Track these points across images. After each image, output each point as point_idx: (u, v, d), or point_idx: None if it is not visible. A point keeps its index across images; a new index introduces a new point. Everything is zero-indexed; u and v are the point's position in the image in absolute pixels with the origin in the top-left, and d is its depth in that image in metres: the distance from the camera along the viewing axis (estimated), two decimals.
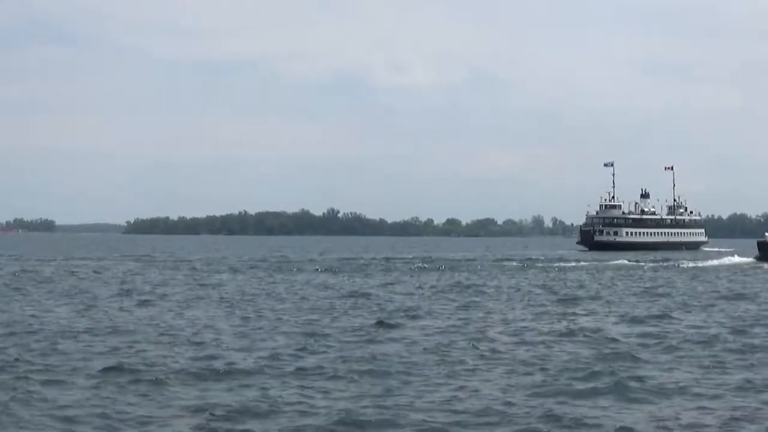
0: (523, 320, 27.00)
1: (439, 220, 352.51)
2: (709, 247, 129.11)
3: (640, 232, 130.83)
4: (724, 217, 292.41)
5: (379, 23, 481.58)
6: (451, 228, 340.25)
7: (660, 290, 40.89)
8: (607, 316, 28.55)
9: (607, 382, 16.09)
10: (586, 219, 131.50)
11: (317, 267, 62.27)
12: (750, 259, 71.91)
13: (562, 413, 13.63)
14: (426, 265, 65.97)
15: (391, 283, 44.72)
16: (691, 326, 25.36)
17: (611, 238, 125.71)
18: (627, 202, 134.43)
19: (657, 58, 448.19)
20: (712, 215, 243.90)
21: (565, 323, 25.97)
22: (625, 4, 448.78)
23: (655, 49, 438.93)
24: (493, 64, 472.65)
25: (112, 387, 15.44)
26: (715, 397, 15.10)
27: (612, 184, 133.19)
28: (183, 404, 14.17)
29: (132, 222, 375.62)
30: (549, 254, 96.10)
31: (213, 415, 13.44)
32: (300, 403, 14.32)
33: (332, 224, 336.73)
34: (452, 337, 22.51)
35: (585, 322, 26.50)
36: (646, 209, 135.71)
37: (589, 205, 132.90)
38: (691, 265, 68.44)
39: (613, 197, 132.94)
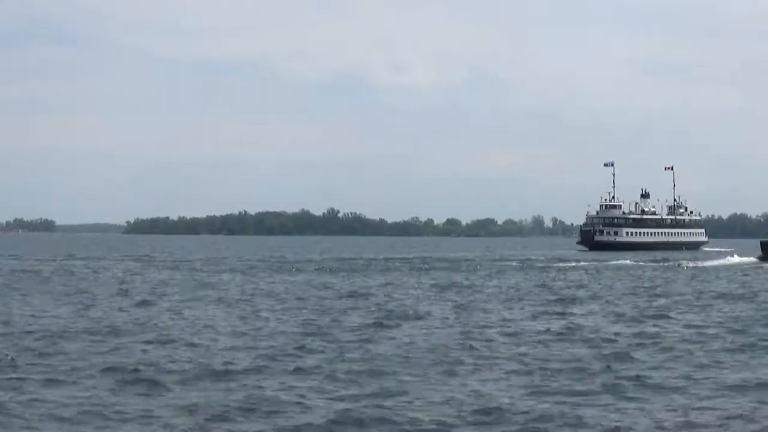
0: (522, 320, 27.02)
1: (439, 220, 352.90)
2: (709, 247, 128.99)
3: (640, 232, 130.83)
4: (724, 217, 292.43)
5: (379, 23, 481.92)
6: (451, 228, 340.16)
7: (659, 290, 40.91)
8: (606, 316, 28.57)
9: (605, 382, 16.13)
10: (586, 219, 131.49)
11: (317, 267, 62.29)
12: (753, 259, 71.83)
13: (560, 413, 13.66)
14: (425, 265, 65.97)
15: (391, 283, 44.72)
16: (690, 326, 25.38)
17: (611, 238, 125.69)
18: (627, 202, 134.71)
19: (657, 58, 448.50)
20: (712, 215, 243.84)
21: (564, 323, 25.99)
22: (625, 4, 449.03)
23: (655, 49, 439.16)
24: (493, 64, 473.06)
25: (111, 387, 15.47)
26: (713, 396, 15.12)
27: (612, 184, 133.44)
28: (182, 404, 14.18)
29: (132, 222, 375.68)
30: (549, 254, 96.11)
31: (212, 415, 13.46)
32: (299, 403, 14.33)
33: (332, 224, 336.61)
34: (451, 336, 22.53)
35: (584, 321, 26.52)
36: (646, 209, 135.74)
37: (589, 205, 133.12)
38: (691, 265, 68.43)
39: (613, 197, 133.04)
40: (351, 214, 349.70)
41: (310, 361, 18.43)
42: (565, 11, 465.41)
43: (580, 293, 38.47)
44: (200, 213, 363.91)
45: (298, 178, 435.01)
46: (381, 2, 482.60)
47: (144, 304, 31.63)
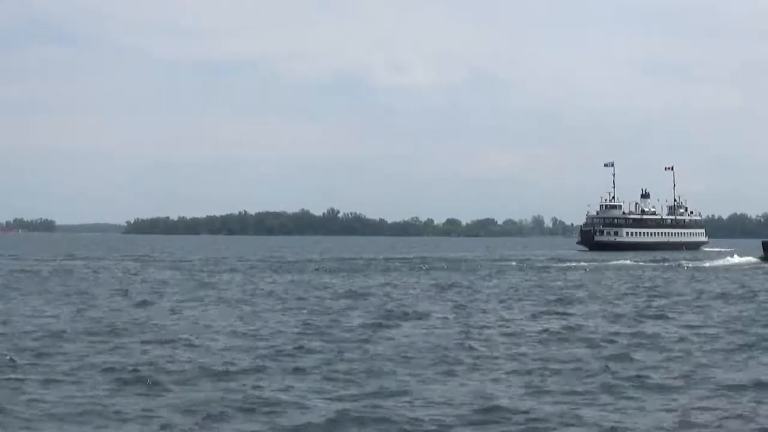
0: (521, 320, 27.02)
1: (439, 220, 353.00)
2: (709, 247, 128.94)
3: (640, 232, 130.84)
4: (724, 217, 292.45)
5: (379, 23, 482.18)
6: (451, 228, 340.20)
7: (659, 290, 40.91)
8: (605, 316, 28.55)
9: (604, 382, 16.14)
10: (587, 219, 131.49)
11: (317, 267, 62.28)
12: (754, 259, 71.81)
13: (559, 413, 13.66)
14: (425, 265, 65.97)
15: (390, 284, 44.72)
16: (690, 326, 25.37)
17: (611, 238, 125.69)
18: (627, 202, 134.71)
19: (657, 58, 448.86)
20: (712, 215, 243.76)
21: (563, 323, 25.98)
22: (625, 4, 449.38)
23: (655, 49, 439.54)
24: (493, 64, 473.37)
25: (110, 387, 15.48)
26: (712, 396, 15.12)
27: (612, 184, 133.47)
28: (181, 404, 14.18)
29: (132, 222, 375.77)
30: (549, 254, 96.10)
31: (211, 415, 13.46)
32: (298, 403, 14.33)
33: (332, 224, 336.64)
34: (450, 336, 22.52)
35: (583, 321, 26.51)
36: (646, 209, 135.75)
37: (589, 205, 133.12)
38: (691, 265, 68.44)
39: (613, 197, 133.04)
40: (351, 214, 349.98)
41: (309, 361, 18.42)
42: (565, 11, 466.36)
43: (580, 293, 38.45)
44: (200, 213, 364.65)
45: (298, 178, 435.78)
46: (381, 2, 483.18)
47: (144, 304, 31.63)
